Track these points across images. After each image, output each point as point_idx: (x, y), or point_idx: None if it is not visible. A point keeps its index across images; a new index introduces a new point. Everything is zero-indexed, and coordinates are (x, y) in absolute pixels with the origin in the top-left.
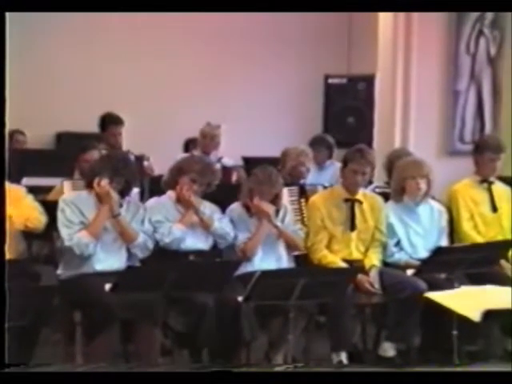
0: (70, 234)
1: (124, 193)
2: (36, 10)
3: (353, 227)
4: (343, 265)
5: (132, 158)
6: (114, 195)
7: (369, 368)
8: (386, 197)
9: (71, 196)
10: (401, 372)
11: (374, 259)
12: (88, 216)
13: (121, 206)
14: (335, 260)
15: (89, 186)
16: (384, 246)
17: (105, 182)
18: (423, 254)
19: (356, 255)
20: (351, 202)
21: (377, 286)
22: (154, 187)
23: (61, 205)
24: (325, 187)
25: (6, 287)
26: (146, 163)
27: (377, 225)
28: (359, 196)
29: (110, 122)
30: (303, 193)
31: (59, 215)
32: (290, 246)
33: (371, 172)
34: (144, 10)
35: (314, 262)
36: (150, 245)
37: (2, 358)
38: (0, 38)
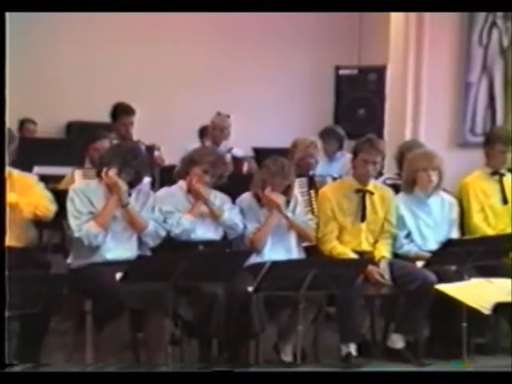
0: (79, 224)
1: (134, 183)
2: (36, 10)
3: (363, 218)
4: (353, 256)
5: (142, 148)
6: (123, 185)
7: (364, 368)
8: (396, 188)
9: (81, 185)
10: (405, 371)
11: (383, 251)
12: (97, 206)
13: (129, 195)
14: (345, 251)
15: (99, 175)
16: (394, 238)
17: (112, 172)
18: (433, 245)
19: (365, 246)
20: (362, 193)
21: (387, 277)
22: (165, 177)
23: (70, 194)
24: (334, 178)
25: (5, 283)
26: (156, 153)
27: (387, 216)
28: (370, 187)
29: (121, 111)
30: (312, 184)
31: (68, 205)
32: (301, 237)
33: (381, 162)
34: (146, 11)
35: (324, 253)
36: (162, 232)
37: (2, 358)
38: (0, 37)
